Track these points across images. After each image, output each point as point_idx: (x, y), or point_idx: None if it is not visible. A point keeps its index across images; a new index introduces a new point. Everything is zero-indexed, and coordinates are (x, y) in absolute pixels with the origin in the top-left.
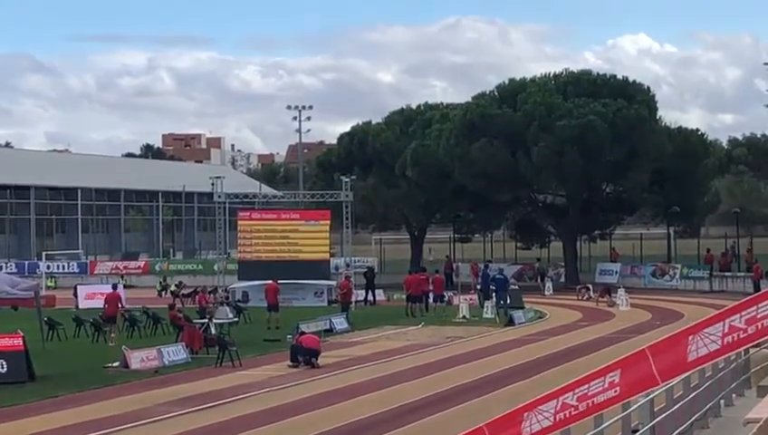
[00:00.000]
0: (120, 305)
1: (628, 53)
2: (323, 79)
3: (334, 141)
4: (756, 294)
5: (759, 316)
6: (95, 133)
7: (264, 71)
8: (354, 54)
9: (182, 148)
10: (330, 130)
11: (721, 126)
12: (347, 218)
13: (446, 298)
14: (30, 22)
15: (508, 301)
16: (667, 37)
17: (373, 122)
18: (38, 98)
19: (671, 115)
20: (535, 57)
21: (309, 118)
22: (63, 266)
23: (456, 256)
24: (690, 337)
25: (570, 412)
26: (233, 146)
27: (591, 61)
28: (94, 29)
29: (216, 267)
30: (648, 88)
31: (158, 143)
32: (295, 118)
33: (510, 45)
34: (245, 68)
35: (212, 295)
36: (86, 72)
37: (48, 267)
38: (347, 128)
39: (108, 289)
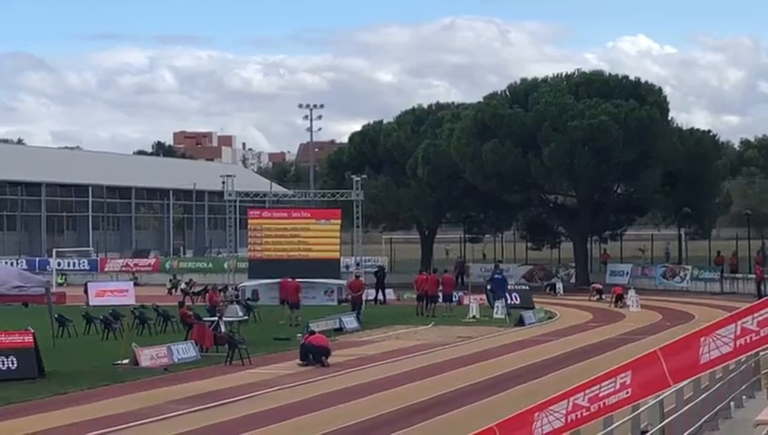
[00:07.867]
0: (298, 295)
1: (629, 55)
2: (325, 78)
3: (338, 140)
4: None
5: None
6: (100, 131)
7: (265, 69)
8: (354, 54)
9: (193, 146)
10: (332, 128)
11: (726, 128)
12: (357, 218)
13: (456, 298)
14: (30, 20)
15: (508, 301)
16: (667, 39)
17: (384, 122)
18: (40, 96)
19: (677, 117)
20: (535, 57)
21: (320, 117)
22: (74, 263)
23: (466, 256)
24: (702, 339)
25: (581, 413)
26: (244, 144)
27: (593, 62)
28: (94, 28)
29: (226, 265)
30: (660, 89)
31: (166, 141)
32: (306, 117)
33: (510, 45)
34: (246, 67)
35: (222, 293)
36: (87, 70)
37: (59, 264)
38: (349, 127)
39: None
